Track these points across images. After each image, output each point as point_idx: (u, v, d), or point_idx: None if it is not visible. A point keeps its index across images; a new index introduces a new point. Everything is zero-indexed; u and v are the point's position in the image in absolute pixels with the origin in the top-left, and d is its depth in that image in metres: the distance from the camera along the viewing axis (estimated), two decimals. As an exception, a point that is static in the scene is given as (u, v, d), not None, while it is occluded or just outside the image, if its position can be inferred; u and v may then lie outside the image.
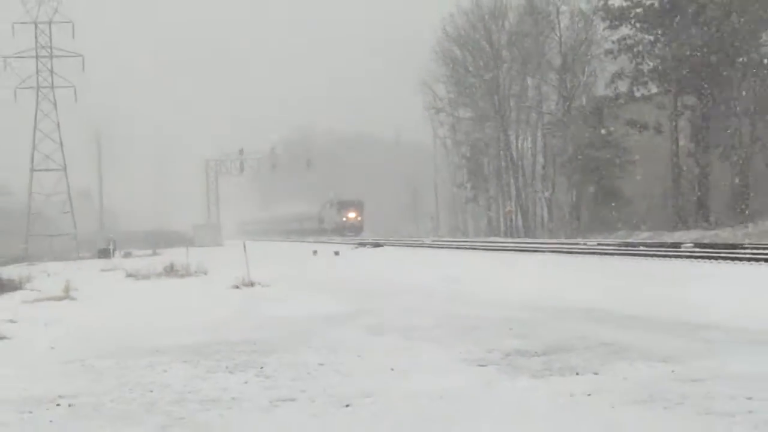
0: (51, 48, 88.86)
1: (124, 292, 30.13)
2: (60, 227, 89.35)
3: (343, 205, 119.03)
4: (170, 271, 37.29)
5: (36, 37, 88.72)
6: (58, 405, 10.45)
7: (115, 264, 51.84)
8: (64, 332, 18.14)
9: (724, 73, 64.27)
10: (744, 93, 64.71)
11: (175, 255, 45.40)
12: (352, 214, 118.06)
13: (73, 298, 26.86)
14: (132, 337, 16.74)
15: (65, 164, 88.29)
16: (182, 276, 36.26)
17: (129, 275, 38.13)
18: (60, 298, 26.71)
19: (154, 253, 63.97)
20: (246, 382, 11.45)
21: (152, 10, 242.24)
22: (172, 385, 11.44)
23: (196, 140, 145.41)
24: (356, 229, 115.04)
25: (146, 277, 36.53)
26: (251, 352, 14.07)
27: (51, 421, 9.66)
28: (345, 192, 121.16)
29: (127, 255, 67.29)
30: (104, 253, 70.08)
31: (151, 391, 11.07)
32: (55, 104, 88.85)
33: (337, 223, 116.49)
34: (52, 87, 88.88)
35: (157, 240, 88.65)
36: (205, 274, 36.27)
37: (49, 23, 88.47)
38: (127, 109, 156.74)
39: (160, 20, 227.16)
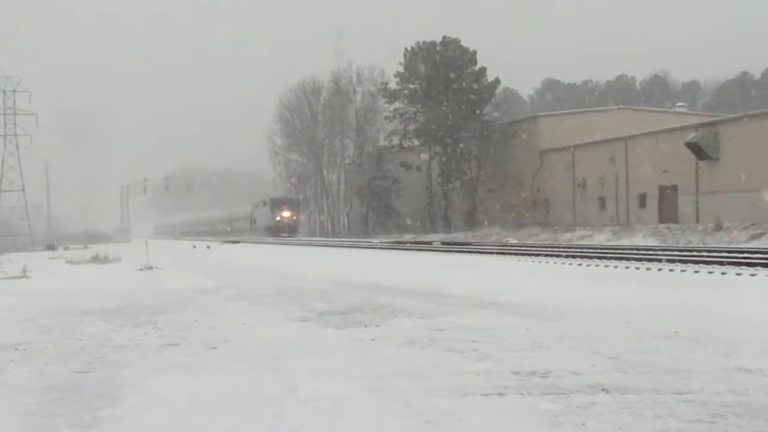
0: (14, 109, 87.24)
1: (64, 273, 28.99)
2: (20, 229, 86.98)
3: (277, 204, 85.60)
4: (96, 258, 36.22)
5: (4, 102, 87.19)
6: (16, 349, 10.00)
7: (58, 254, 50.15)
8: (21, 300, 17.39)
9: (459, 134, 66.70)
10: (471, 147, 67.28)
11: (100, 248, 44.29)
12: (286, 213, 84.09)
13: (28, 277, 25.78)
14: (68, 303, 16.12)
15: (24, 186, 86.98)
16: (103, 262, 35.22)
17: (68, 262, 36.89)
18: (19, 277, 25.67)
19: (85, 247, 61.54)
20: (146, 333, 11.13)
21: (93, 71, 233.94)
22: (95, 335, 11.05)
23: (114, 167, 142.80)
24: (291, 229, 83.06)
25: (79, 263, 35.39)
26: (149, 313, 13.67)
27: (11, 360, 9.23)
28: (205, 207, 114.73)
29: (67, 248, 64.90)
30: (51, 247, 68.06)
31: (81, 340, 10.68)
32: (17, 146, 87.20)
33: (271, 224, 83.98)
34: (15, 135, 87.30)
35: (88, 238, 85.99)
36: (119, 261, 35.27)
37: (13, 92, 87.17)
38: (65, 146, 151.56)
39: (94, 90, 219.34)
